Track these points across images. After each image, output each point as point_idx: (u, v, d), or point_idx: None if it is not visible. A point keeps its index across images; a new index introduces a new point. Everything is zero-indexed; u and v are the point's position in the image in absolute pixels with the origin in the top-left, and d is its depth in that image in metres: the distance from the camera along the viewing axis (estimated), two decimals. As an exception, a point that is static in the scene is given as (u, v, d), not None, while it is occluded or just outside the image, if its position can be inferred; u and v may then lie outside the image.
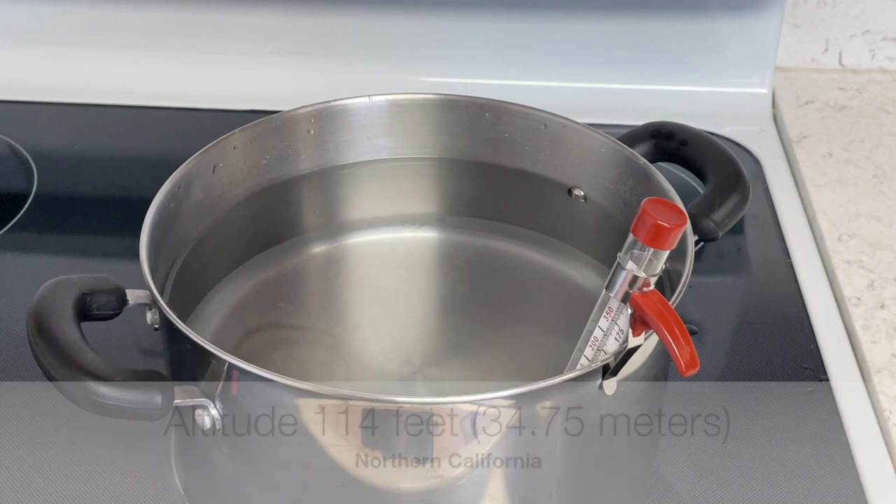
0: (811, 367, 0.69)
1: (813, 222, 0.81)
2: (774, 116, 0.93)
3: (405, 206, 0.71)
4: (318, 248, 0.70)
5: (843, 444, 0.64)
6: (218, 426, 0.52)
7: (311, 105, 0.67)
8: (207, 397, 0.52)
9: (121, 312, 0.56)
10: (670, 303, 0.51)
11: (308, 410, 0.50)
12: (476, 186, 0.70)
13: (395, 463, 0.51)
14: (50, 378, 0.51)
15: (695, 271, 0.56)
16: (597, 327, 0.53)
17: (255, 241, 0.68)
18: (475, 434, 0.50)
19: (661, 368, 0.57)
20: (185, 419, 0.55)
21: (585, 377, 0.51)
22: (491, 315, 0.66)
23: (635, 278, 0.51)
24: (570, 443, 0.53)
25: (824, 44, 0.97)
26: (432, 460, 0.51)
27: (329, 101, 0.67)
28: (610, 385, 0.52)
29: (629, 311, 0.51)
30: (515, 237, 0.69)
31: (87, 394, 0.50)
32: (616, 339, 0.53)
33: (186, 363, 0.54)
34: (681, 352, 0.49)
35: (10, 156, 0.87)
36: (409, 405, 0.50)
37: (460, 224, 0.71)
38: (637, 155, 0.64)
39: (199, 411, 0.52)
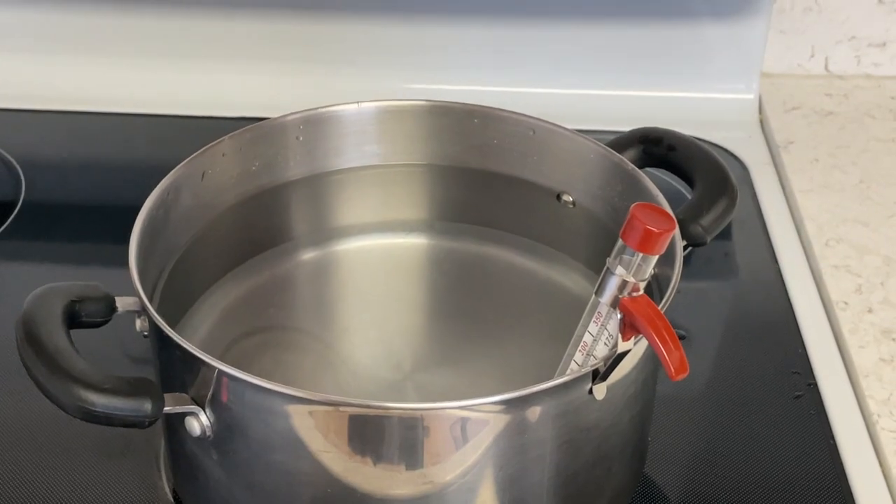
0: (799, 372, 0.69)
1: (800, 227, 0.81)
2: (761, 122, 0.93)
3: (394, 212, 0.72)
4: (308, 255, 0.70)
5: (831, 447, 0.64)
6: (208, 433, 0.52)
7: (300, 112, 0.67)
8: (197, 404, 0.52)
9: (110, 320, 0.56)
10: (659, 307, 0.51)
11: (298, 416, 0.50)
12: (465, 192, 0.70)
13: (385, 469, 0.51)
14: (39, 386, 0.51)
15: (683, 276, 0.56)
16: (586, 332, 0.53)
17: (245, 248, 0.68)
18: (465, 439, 0.51)
19: (651, 373, 0.57)
20: (174, 426, 0.55)
21: (575, 382, 0.51)
22: (480, 320, 0.66)
23: (625, 283, 0.51)
24: (559, 448, 0.53)
25: (810, 50, 0.97)
26: (422, 466, 0.51)
27: (318, 108, 0.68)
28: (600, 390, 0.52)
29: (619, 315, 0.51)
30: (505, 243, 0.69)
31: (76, 401, 0.50)
32: (605, 343, 0.53)
33: (176, 370, 0.53)
34: (670, 356, 0.49)
35: (-2, 164, 0.87)
36: (398, 411, 0.50)
37: (450, 230, 0.71)
38: (625, 160, 0.64)
39: (188, 418, 0.52)
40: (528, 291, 0.68)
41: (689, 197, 0.64)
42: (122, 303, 0.56)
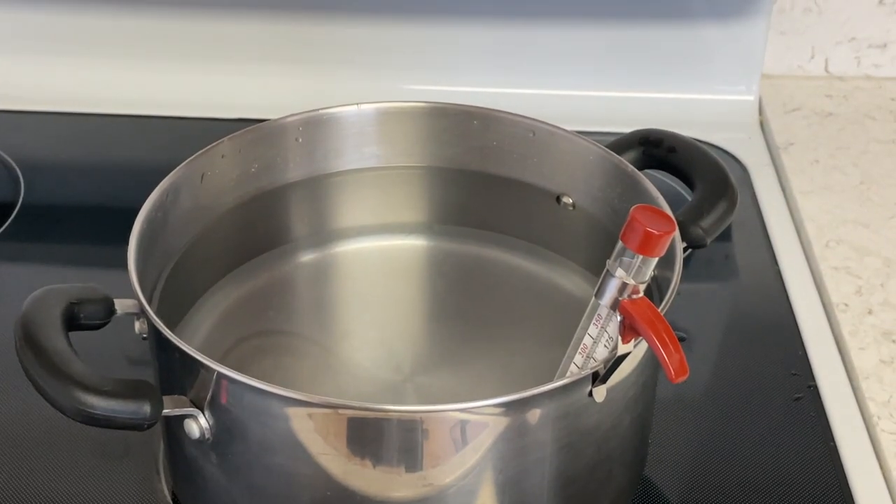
0: (799, 374, 0.69)
1: (800, 229, 0.81)
2: (761, 123, 0.93)
3: (394, 214, 0.71)
4: (307, 257, 0.70)
5: (831, 449, 0.64)
6: (207, 435, 0.52)
7: (300, 113, 0.67)
8: (196, 407, 0.52)
9: (109, 322, 0.56)
10: (659, 310, 0.51)
11: (297, 419, 0.50)
12: (464, 195, 0.70)
13: (384, 471, 0.51)
14: (38, 388, 0.51)
15: (683, 278, 0.56)
16: (586, 335, 0.53)
17: (244, 250, 0.68)
18: (465, 442, 0.50)
19: (651, 375, 0.57)
20: (173, 429, 0.55)
21: (575, 385, 0.51)
22: (480, 323, 0.66)
23: (624, 285, 0.51)
24: (559, 450, 0.53)
25: (810, 51, 0.97)
26: (422, 469, 0.51)
27: (317, 110, 0.67)
28: (599, 392, 0.52)
29: (618, 318, 0.51)
30: (504, 245, 0.69)
31: (75, 404, 0.50)
32: (605, 346, 0.53)
33: (175, 372, 0.53)
34: (670, 358, 0.49)
35: (-3, 165, 0.87)
36: (398, 413, 0.50)
37: (449, 232, 0.71)
38: (625, 162, 0.64)
39: (187, 421, 0.52)
40: (527, 294, 0.68)
41: (689, 199, 0.64)
42: (121, 305, 0.56)
